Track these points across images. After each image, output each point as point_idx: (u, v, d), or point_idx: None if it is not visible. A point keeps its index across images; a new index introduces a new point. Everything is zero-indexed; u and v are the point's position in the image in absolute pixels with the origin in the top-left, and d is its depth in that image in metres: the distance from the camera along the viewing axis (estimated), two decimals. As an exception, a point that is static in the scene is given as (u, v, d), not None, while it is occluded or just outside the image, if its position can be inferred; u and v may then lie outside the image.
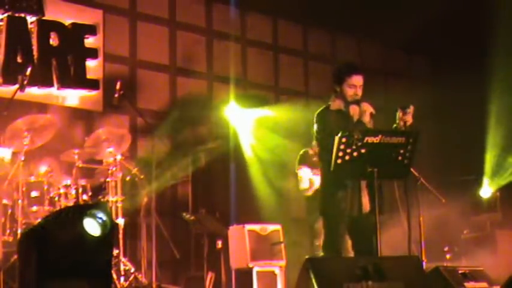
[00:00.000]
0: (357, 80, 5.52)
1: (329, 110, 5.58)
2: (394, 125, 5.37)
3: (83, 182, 7.03)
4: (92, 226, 3.48)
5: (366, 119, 5.46)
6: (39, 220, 6.18)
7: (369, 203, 5.33)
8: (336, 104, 5.56)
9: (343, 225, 5.44)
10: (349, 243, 5.63)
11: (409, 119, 5.33)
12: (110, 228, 3.54)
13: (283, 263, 7.53)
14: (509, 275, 4.56)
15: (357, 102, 5.48)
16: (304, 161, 7.27)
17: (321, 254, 5.71)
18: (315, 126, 5.60)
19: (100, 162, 7.42)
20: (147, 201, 7.36)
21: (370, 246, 5.12)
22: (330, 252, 5.43)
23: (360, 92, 5.52)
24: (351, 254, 5.68)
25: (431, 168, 8.20)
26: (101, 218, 3.51)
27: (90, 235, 3.46)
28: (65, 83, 8.09)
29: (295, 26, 10.74)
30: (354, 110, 5.52)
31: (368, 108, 5.47)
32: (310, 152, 7.23)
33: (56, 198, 6.82)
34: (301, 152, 7.41)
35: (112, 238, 3.71)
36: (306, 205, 7.40)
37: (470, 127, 10.12)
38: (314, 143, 7.02)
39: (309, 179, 7.18)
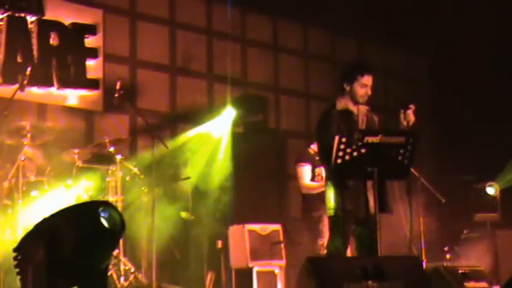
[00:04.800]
0: (369, 80, 5.51)
1: (334, 110, 5.54)
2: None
3: (82, 182, 7.03)
4: (104, 223, 3.45)
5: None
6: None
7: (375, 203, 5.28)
8: (342, 103, 5.54)
9: (349, 226, 5.42)
10: (353, 245, 5.62)
11: (411, 118, 5.32)
12: (120, 226, 3.52)
13: (283, 263, 7.52)
14: (510, 276, 4.56)
15: (366, 103, 5.47)
16: (305, 158, 7.17)
17: (324, 253, 5.69)
18: (317, 126, 5.57)
19: (100, 162, 7.43)
20: (146, 201, 7.37)
21: (374, 249, 5.09)
22: (334, 252, 5.40)
23: (369, 92, 5.50)
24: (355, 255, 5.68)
25: (431, 168, 8.21)
26: (112, 216, 3.49)
27: (102, 233, 3.43)
28: (65, 83, 8.09)
29: (295, 26, 10.74)
30: (361, 110, 5.52)
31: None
32: (311, 151, 7.17)
33: (56, 199, 6.83)
34: (300, 150, 7.35)
35: (121, 236, 3.69)
36: (304, 204, 7.35)
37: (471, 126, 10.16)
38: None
39: (318, 174, 7.06)
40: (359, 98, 5.48)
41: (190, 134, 8.96)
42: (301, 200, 7.37)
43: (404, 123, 5.31)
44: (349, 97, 5.51)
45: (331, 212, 5.45)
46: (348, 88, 5.51)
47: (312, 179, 7.10)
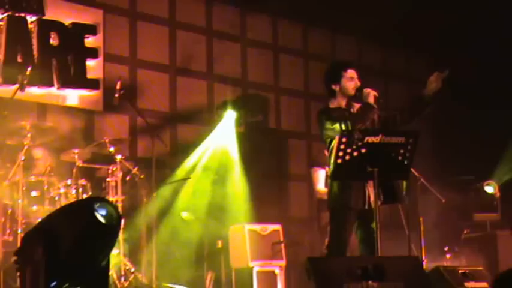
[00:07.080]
0: (352, 72, 5.57)
1: (329, 107, 5.59)
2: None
3: (82, 182, 7.04)
4: (101, 219, 3.45)
5: (371, 100, 5.41)
6: (39, 220, 6.20)
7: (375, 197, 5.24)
8: (335, 103, 5.57)
9: (350, 223, 5.40)
10: (354, 244, 5.61)
11: (440, 83, 5.34)
12: (117, 221, 3.52)
13: (283, 263, 7.52)
14: (499, 273, 4.55)
15: (359, 90, 5.48)
16: (321, 162, 7.00)
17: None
18: (321, 123, 5.57)
19: (100, 162, 7.44)
20: (147, 201, 7.37)
21: (374, 249, 5.07)
22: (335, 252, 5.39)
23: (358, 83, 5.54)
24: (356, 254, 5.66)
25: (431, 168, 8.20)
26: (108, 211, 3.49)
27: (99, 228, 3.43)
28: (65, 83, 8.09)
29: (295, 26, 10.74)
30: (355, 108, 5.54)
31: (371, 91, 5.43)
32: (326, 153, 7.09)
33: (56, 198, 6.83)
34: (315, 154, 7.24)
35: (118, 231, 3.69)
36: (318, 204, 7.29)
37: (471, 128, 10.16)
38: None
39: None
40: (351, 91, 5.53)
41: (198, 154, 8.89)
42: (316, 201, 7.35)
43: (433, 85, 5.31)
44: (341, 96, 5.55)
45: (333, 208, 5.44)
46: (337, 88, 5.56)
47: (325, 184, 6.99)
